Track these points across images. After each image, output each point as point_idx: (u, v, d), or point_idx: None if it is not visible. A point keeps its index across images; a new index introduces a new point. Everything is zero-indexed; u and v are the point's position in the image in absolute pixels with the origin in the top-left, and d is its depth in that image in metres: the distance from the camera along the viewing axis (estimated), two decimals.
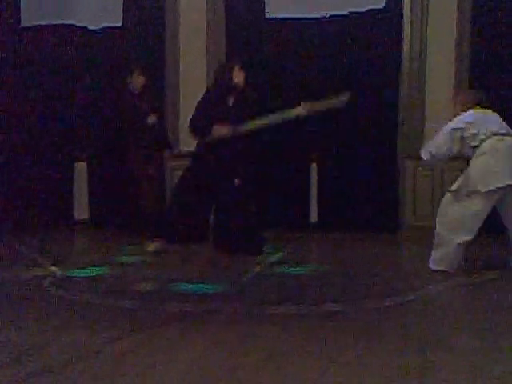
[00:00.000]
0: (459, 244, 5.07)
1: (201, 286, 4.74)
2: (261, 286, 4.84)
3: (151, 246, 6.13)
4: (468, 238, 5.05)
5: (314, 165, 7.93)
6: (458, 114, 5.27)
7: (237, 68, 5.95)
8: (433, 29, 7.58)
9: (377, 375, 2.87)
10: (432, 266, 5.24)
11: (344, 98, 5.74)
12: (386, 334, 3.52)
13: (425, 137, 7.53)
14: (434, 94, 7.45)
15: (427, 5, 7.62)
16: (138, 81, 7.42)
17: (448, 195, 5.20)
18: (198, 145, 6.15)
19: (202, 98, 6.07)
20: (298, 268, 5.48)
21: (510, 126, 5.19)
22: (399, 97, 7.68)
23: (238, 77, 5.94)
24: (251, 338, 3.45)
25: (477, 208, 4.98)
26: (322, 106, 5.81)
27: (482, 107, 5.28)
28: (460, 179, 5.15)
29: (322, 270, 5.45)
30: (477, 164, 5.04)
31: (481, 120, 5.15)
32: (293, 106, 5.92)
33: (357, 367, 2.98)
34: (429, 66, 7.61)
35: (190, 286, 4.73)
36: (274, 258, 5.91)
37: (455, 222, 5.07)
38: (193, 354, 3.22)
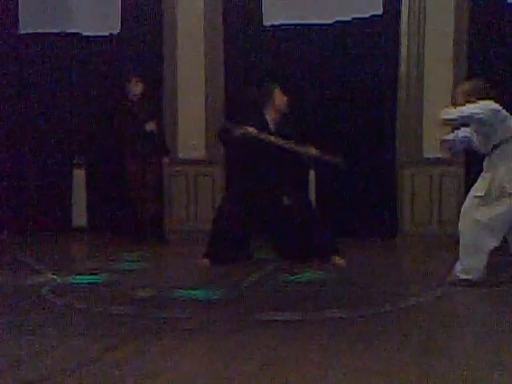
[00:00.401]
0: (485, 252, 4.87)
1: (199, 292, 4.74)
2: (259, 293, 4.84)
3: (203, 263, 6.00)
4: (495, 244, 4.86)
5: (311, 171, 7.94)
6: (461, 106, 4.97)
7: (278, 91, 5.94)
8: (430, 35, 7.60)
9: (375, 382, 2.87)
10: (461, 275, 4.93)
11: (339, 161, 5.91)
12: (384, 341, 3.52)
13: (423, 144, 7.55)
14: (431, 100, 7.46)
15: (424, 10, 7.63)
16: (136, 88, 7.44)
17: (473, 201, 4.94)
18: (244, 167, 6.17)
19: (239, 118, 6.09)
20: (296, 275, 5.48)
21: None
22: (397, 103, 7.69)
23: (281, 100, 5.94)
24: (249, 346, 3.45)
25: (504, 210, 4.80)
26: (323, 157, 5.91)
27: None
28: (485, 182, 4.89)
29: (320, 276, 5.45)
30: (504, 166, 4.82)
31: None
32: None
33: (355, 374, 2.98)
34: (427, 73, 7.62)
35: (189, 293, 4.72)
36: (272, 265, 5.91)
37: (483, 227, 4.84)
38: (191, 361, 3.22)
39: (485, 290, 4.81)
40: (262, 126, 5.88)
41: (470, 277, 4.88)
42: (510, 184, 4.79)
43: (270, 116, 5.97)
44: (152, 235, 7.47)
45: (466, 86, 5.17)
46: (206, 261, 5.93)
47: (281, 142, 5.79)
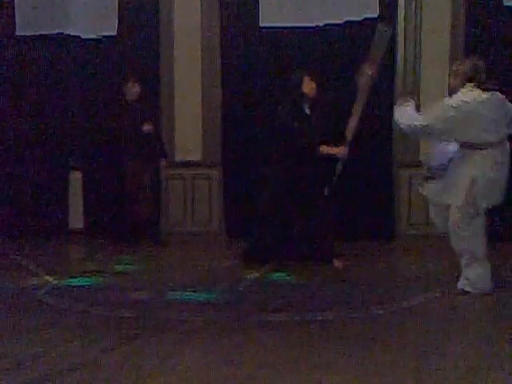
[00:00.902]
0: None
1: (197, 294, 4.75)
2: (256, 294, 4.84)
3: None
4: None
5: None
6: (456, 88, 4.83)
7: (306, 78, 6.04)
8: (427, 38, 7.62)
9: (373, 383, 2.87)
10: (467, 288, 4.73)
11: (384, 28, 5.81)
12: (381, 342, 3.53)
13: (420, 145, 7.55)
14: (428, 103, 7.43)
15: (421, 13, 7.64)
16: (133, 89, 7.43)
17: (455, 211, 4.69)
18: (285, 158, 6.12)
19: (280, 108, 6.14)
20: (293, 276, 5.48)
21: None
22: (393, 105, 7.68)
23: (308, 87, 6.02)
24: (246, 347, 3.46)
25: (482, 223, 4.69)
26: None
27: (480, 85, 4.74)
28: (462, 193, 4.63)
29: (317, 278, 5.45)
30: (479, 179, 4.59)
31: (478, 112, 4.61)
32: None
33: (352, 375, 2.98)
34: (423, 75, 7.63)
35: (186, 295, 4.73)
36: (269, 266, 5.91)
37: (480, 235, 4.68)
38: (188, 362, 3.22)
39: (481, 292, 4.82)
40: (299, 113, 6.01)
41: (477, 290, 4.71)
42: (485, 201, 4.63)
43: (304, 102, 6.07)
44: (148, 237, 7.46)
45: (467, 66, 4.88)
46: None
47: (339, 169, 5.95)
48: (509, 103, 4.79)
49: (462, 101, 4.66)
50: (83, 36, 8.26)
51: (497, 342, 3.53)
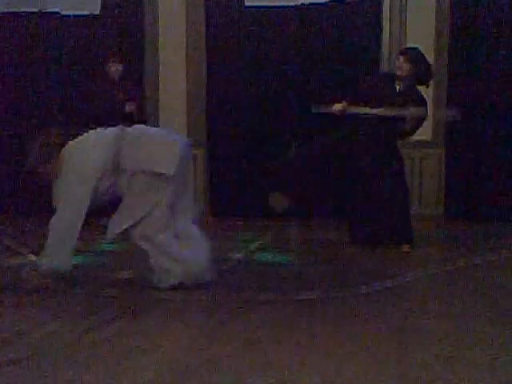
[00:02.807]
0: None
1: None
2: (240, 274, 4.86)
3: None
4: None
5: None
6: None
7: (400, 57, 5.81)
8: (412, 16, 7.60)
9: (354, 361, 2.90)
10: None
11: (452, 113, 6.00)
12: (363, 321, 3.56)
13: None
14: None
15: None
16: (114, 69, 7.37)
17: None
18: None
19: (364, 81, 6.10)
20: (278, 255, 5.51)
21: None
22: None
23: (398, 65, 5.80)
24: (230, 326, 3.48)
25: None
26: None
27: None
28: None
29: (302, 257, 5.48)
30: None
31: None
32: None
33: (335, 354, 3.01)
34: None
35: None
36: (253, 246, 5.94)
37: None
38: (172, 342, 3.23)
39: (461, 271, 4.87)
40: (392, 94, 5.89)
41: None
42: None
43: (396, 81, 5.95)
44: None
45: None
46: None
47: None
48: None
49: None
50: (64, 14, 8.16)
51: (475, 320, 3.58)
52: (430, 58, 7.32)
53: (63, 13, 8.16)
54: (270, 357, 2.96)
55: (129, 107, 7.20)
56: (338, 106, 5.77)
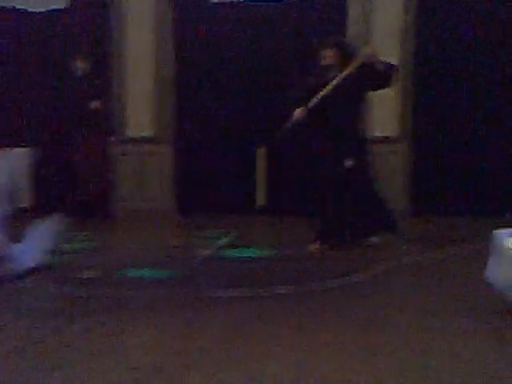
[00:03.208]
0: None
1: (149, 271, 4.74)
2: (209, 270, 4.86)
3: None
4: None
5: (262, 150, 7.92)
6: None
7: (325, 50, 5.69)
8: (378, 9, 7.63)
9: (325, 355, 2.92)
10: None
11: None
12: (334, 315, 3.58)
13: (371, 122, 7.62)
14: None
15: None
16: (80, 65, 7.31)
17: None
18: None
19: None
20: (246, 251, 5.51)
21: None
22: None
23: (325, 57, 5.67)
24: (199, 323, 3.47)
25: None
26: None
27: None
28: None
29: (270, 253, 5.49)
30: None
31: None
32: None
33: (305, 348, 3.03)
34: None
35: (139, 272, 4.71)
36: (222, 242, 5.93)
37: None
38: (141, 339, 3.22)
39: (430, 263, 4.93)
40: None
41: None
42: None
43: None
44: (100, 214, 7.39)
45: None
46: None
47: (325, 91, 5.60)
48: None
49: None
50: (30, 9, 8.06)
51: (444, 312, 3.63)
52: (397, 43, 7.41)
53: (28, 8, 8.05)
54: (237, 353, 2.97)
55: (94, 104, 7.14)
56: (297, 113, 5.64)
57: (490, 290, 3.64)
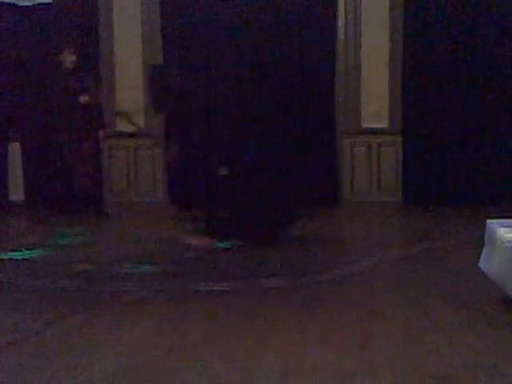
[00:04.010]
0: None
1: (141, 265, 4.73)
2: (201, 264, 4.85)
3: None
4: None
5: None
6: None
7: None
8: (367, 8, 7.65)
9: (318, 348, 2.93)
10: None
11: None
12: (325, 308, 3.59)
13: (361, 114, 7.63)
14: (369, 72, 7.53)
15: None
16: (68, 59, 7.26)
17: None
18: None
19: None
20: (238, 245, 5.49)
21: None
22: (335, 76, 7.73)
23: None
24: (190, 317, 3.47)
25: None
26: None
27: None
28: None
29: (263, 246, 5.48)
30: None
31: None
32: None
33: (298, 341, 3.03)
34: (364, 41, 7.66)
35: (130, 267, 4.70)
36: (215, 236, 5.91)
37: None
38: (134, 333, 3.22)
39: (420, 256, 4.94)
40: None
41: None
42: None
43: None
44: (91, 209, 7.36)
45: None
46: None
47: None
48: None
49: None
50: (19, 4, 8.01)
51: (433, 304, 3.64)
52: (386, 42, 7.42)
53: (17, 2, 8.00)
54: (230, 345, 2.97)
55: (83, 98, 7.11)
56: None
57: (483, 279, 3.65)
